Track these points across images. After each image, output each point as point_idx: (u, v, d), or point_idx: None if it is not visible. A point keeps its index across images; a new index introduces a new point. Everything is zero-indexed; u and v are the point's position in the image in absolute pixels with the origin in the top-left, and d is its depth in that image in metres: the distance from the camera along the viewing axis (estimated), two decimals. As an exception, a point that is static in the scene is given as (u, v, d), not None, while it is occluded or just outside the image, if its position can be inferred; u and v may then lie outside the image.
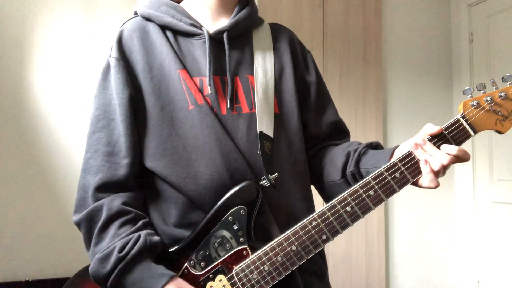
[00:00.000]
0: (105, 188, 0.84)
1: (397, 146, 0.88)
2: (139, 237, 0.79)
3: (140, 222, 0.83)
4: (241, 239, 0.81)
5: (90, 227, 0.82)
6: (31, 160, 2.22)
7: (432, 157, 0.79)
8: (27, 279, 2.11)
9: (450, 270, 3.03)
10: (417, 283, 2.93)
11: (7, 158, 2.18)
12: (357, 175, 0.91)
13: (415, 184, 0.82)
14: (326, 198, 1.00)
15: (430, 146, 0.80)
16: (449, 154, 0.79)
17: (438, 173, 0.79)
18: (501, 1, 2.86)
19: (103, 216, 0.81)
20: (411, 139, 0.84)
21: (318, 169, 1.01)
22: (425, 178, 0.80)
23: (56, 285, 2.13)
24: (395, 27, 3.03)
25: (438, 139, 0.81)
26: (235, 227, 0.81)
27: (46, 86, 2.27)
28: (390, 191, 0.80)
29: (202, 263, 0.81)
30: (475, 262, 2.92)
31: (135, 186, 0.88)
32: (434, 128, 0.81)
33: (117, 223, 0.81)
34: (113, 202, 0.82)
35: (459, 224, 3.04)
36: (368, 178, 0.80)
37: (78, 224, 0.84)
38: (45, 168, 2.24)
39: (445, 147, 0.80)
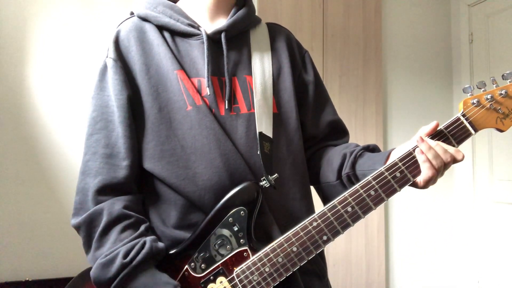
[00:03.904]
0: (105, 190, 0.82)
1: (393, 149, 0.88)
2: (144, 243, 0.78)
3: (142, 227, 0.82)
4: (241, 240, 0.81)
5: (90, 231, 0.81)
6: (31, 160, 2.21)
7: (435, 153, 0.79)
8: (27, 279, 2.10)
9: (450, 270, 3.02)
10: (417, 283, 2.92)
11: (7, 158, 2.18)
12: (353, 177, 0.90)
13: (415, 185, 0.82)
14: (322, 198, 1.00)
15: (432, 142, 0.80)
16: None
17: (439, 171, 0.79)
18: (501, 1, 2.85)
19: (104, 220, 0.79)
20: (408, 142, 0.84)
21: (315, 169, 1.00)
22: (425, 172, 0.79)
23: (56, 285, 2.12)
24: (395, 27, 3.02)
25: (438, 137, 0.81)
26: (235, 228, 0.81)
27: (45, 86, 2.26)
28: (390, 191, 0.80)
29: (202, 265, 0.81)
30: (475, 262, 2.92)
31: (135, 188, 0.87)
32: (429, 126, 0.81)
33: (118, 228, 0.80)
34: (114, 206, 0.81)
35: (459, 224, 3.04)
36: (368, 177, 0.80)
37: (77, 227, 0.82)
38: (45, 168, 2.23)
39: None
